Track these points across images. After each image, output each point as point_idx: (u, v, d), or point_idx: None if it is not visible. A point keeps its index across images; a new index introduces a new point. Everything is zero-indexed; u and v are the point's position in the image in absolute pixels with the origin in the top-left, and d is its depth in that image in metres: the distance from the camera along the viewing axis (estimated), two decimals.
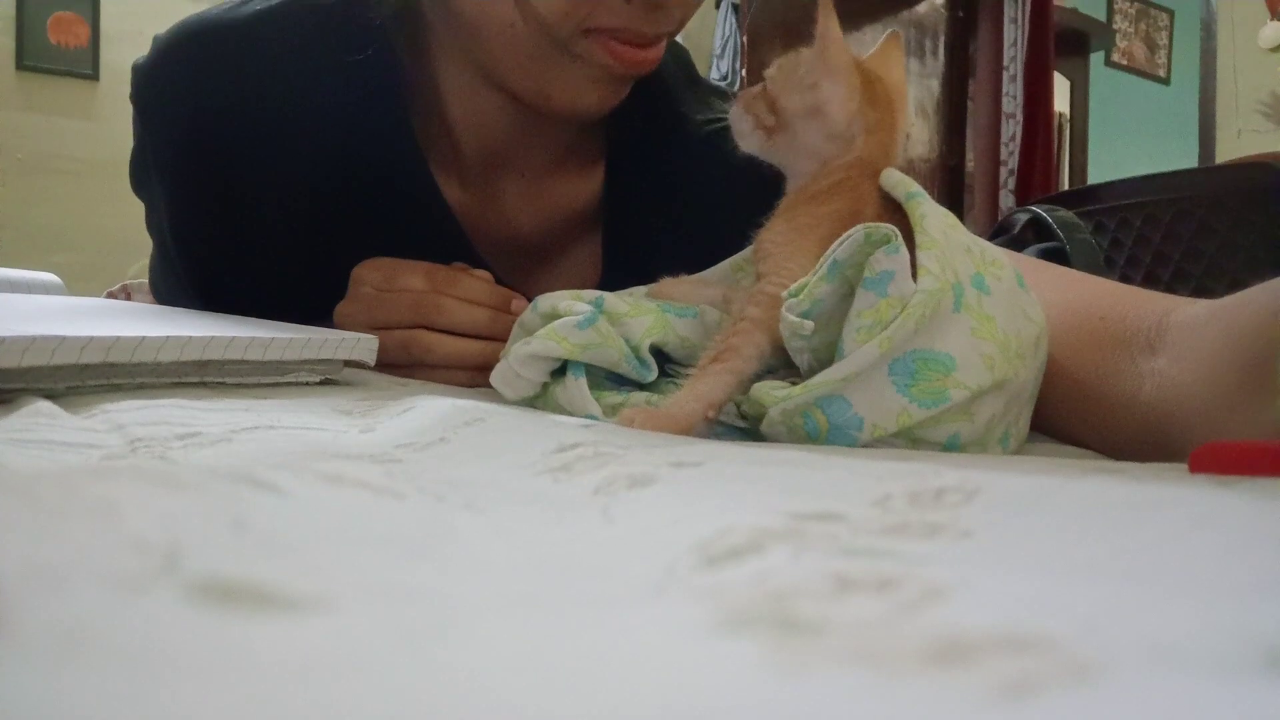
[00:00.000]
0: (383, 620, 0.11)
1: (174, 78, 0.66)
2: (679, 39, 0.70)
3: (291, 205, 0.67)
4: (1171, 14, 4.84)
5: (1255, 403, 0.34)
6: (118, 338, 0.43)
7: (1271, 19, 2.55)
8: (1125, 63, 4.75)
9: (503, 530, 0.18)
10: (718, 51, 4.08)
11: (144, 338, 0.44)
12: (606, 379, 0.47)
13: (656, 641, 0.12)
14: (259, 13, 0.67)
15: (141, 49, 0.68)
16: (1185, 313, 0.41)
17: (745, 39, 3.16)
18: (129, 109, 0.68)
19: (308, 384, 0.51)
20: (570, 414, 0.43)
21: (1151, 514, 0.16)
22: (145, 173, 0.69)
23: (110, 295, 1.40)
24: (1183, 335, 0.40)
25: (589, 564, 0.16)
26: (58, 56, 2.92)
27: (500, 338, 0.57)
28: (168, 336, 0.45)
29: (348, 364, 0.54)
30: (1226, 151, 2.57)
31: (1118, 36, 4.65)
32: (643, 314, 0.46)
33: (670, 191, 0.73)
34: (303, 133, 0.66)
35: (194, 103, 0.66)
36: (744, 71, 3.14)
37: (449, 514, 0.18)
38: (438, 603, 0.12)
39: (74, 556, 0.12)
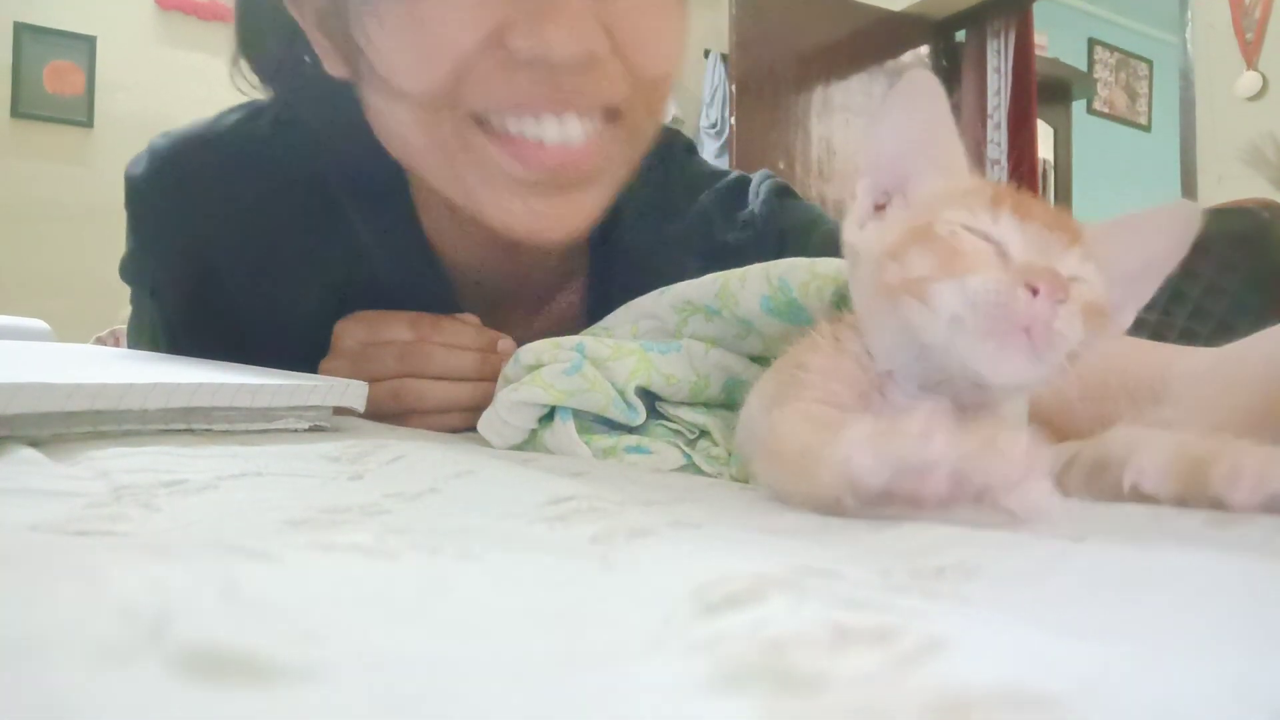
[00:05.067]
0: (376, 690, 0.11)
1: (170, 192, 0.64)
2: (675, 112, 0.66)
3: (295, 309, 0.65)
4: (1150, 64, 4.95)
5: None
6: (104, 384, 0.43)
7: (1247, 69, 2.61)
8: (1107, 110, 4.84)
9: (498, 578, 0.18)
10: (708, 100, 4.17)
11: (131, 384, 0.43)
12: (595, 421, 0.47)
13: (654, 703, 0.11)
14: (254, 126, 0.65)
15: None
16: (1187, 363, 0.41)
17: (734, 88, 3.21)
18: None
19: (296, 430, 0.51)
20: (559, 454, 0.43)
21: (1155, 583, 0.15)
22: (141, 275, 0.68)
23: (99, 340, 1.39)
24: (1187, 386, 0.40)
25: (587, 614, 0.16)
26: (53, 104, 2.93)
27: (490, 378, 0.57)
28: (155, 383, 0.44)
29: (337, 411, 0.54)
30: (1208, 197, 2.62)
31: (1099, 85, 4.76)
32: (625, 356, 0.46)
33: (656, 245, 0.72)
34: (309, 248, 0.64)
35: (193, 218, 0.64)
36: (733, 119, 3.19)
37: (443, 567, 0.18)
38: (431, 669, 0.12)
39: (56, 625, 0.11)
